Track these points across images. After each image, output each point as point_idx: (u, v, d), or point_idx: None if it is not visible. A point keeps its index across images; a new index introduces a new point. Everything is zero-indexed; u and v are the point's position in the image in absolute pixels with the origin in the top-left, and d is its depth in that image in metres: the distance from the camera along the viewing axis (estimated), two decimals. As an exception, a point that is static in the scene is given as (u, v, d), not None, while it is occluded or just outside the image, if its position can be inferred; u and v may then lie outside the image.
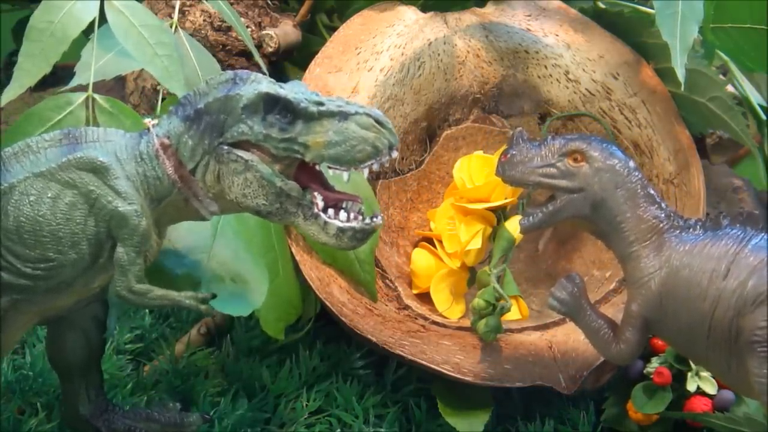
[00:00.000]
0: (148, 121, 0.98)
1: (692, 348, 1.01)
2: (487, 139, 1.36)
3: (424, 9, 1.36)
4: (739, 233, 0.99)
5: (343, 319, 1.17)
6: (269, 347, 1.27)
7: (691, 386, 1.17)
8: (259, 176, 0.94)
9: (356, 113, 0.93)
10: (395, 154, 0.94)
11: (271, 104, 0.94)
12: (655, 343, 1.20)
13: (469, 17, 1.36)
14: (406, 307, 1.24)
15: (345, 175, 0.94)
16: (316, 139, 0.93)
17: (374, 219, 0.95)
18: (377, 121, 0.93)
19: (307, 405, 1.21)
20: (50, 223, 0.95)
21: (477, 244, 1.24)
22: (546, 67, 1.35)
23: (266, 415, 1.20)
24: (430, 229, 1.30)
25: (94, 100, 1.07)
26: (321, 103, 0.94)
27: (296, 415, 1.20)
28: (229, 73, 0.97)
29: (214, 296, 0.99)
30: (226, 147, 0.95)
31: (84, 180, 0.95)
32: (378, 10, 1.33)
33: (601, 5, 1.39)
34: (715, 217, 1.02)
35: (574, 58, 1.35)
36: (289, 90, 0.95)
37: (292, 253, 1.19)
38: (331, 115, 0.93)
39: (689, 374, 1.18)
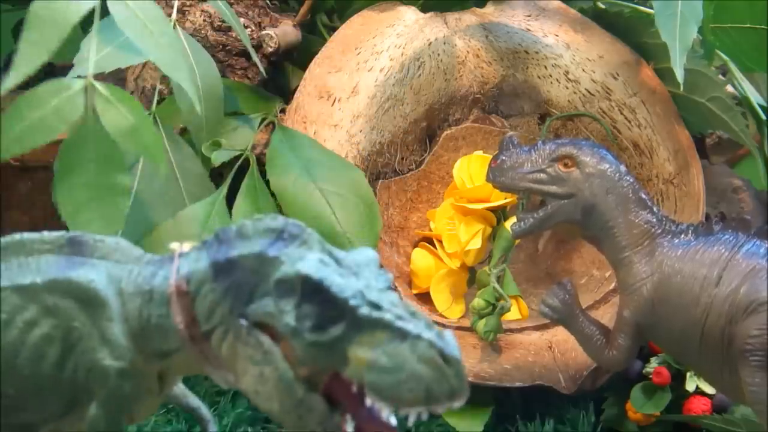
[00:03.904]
0: (176, 246, 0.79)
1: (685, 354, 1.01)
2: (487, 139, 1.36)
3: (424, 9, 1.36)
4: (731, 239, 0.98)
5: (342, 319, 1.17)
6: (269, 347, 1.27)
7: (690, 386, 1.18)
8: (276, 377, 0.72)
9: (418, 337, 0.69)
10: (458, 404, 0.69)
11: (311, 292, 0.71)
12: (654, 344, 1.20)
13: (469, 17, 1.36)
14: (406, 307, 1.24)
15: (384, 413, 0.71)
16: (359, 353, 0.70)
17: None
18: (442, 356, 0.69)
19: (306, 404, 1.20)
20: (16, 355, 0.77)
21: (477, 244, 1.24)
22: (546, 67, 1.35)
23: (266, 414, 1.20)
24: (430, 229, 1.30)
25: (93, 87, 1.04)
26: (379, 306, 0.70)
27: (296, 414, 1.20)
28: (279, 222, 0.75)
29: None
30: (245, 323, 0.73)
31: (68, 312, 0.77)
32: (378, 11, 1.33)
33: (601, 5, 1.39)
34: (707, 222, 1.01)
35: (574, 58, 1.35)
36: (343, 272, 0.72)
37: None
38: (385, 327, 0.70)
39: (688, 374, 1.18)
